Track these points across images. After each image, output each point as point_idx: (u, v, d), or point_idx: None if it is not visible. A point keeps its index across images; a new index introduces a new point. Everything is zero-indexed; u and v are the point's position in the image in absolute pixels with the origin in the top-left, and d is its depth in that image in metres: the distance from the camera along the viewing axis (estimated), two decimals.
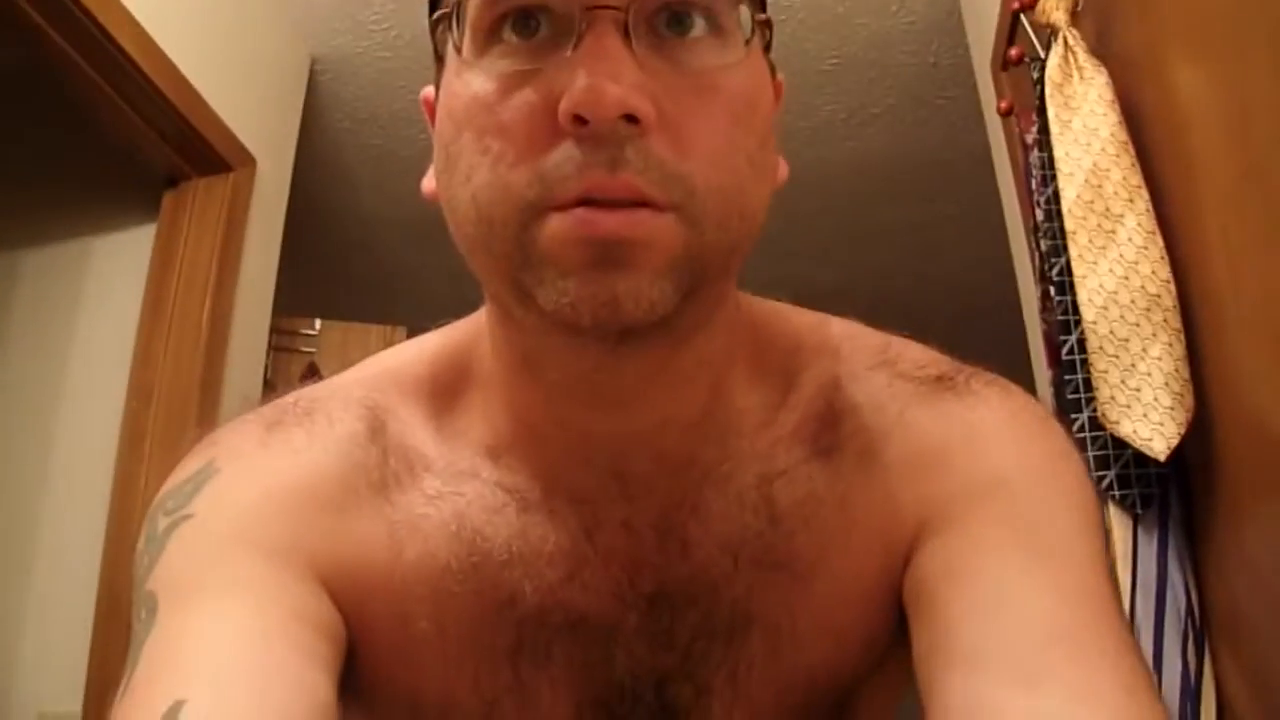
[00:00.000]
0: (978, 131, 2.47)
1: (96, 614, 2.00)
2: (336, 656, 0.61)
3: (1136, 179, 1.29)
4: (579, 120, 0.51)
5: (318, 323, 3.09)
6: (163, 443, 2.08)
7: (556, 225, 0.52)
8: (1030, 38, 1.65)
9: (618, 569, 0.67)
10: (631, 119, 0.51)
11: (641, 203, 0.52)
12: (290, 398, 0.72)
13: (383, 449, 0.69)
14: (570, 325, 0.53)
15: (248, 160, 2.38)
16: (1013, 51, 1.67)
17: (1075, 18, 1.46)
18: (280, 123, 2.62)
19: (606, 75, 0.50)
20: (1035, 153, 1.51)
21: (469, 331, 0.74)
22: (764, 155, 0.58)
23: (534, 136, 0.53)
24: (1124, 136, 1.31)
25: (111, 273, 2.41)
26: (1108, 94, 1.35)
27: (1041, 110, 1.47)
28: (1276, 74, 1.01)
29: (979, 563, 0.60)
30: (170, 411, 2.12)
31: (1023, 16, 1.68)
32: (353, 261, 3.86)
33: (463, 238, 0.58)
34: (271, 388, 2.56)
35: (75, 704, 1.96)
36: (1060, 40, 1.44)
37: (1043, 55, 1.51)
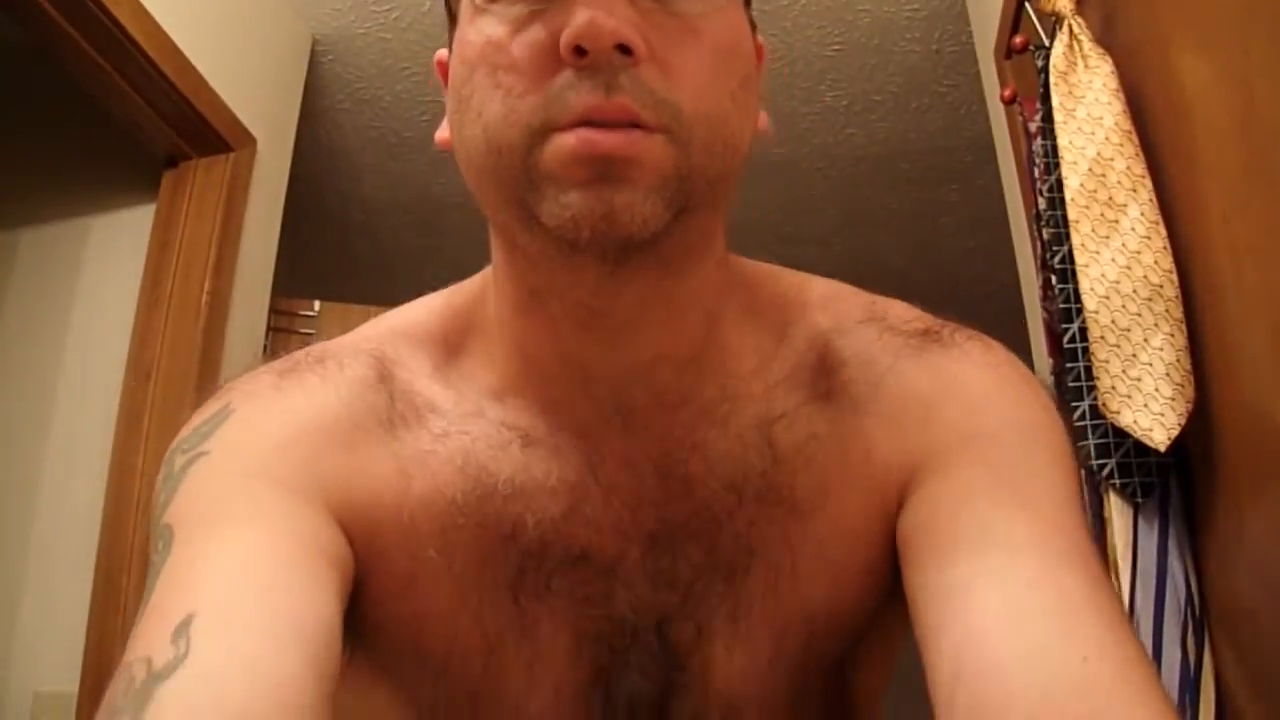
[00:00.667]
0: (980, 119, 2.47)
1: (93, 594, 2.00)
2: (344, 585, 0.63)
3: (1140, 169, 1.28)
4: (578, 51, 0.56)
5: (317, 304, 3.09)
6: (161, 422, 2.08)
7: (559, 144, 0.57)
8: (1034, 25, 1.64)
9: (619, 504, 0.70)
10: (625, 50, 0.56)
11: (635, 124, 0.57)
12: (302, 351, 0.76)
13: (390, 393, 0.73)
14: (571, 241, 0.58)
15: (248, 140, 2.37)
16: (1017, 39, 1.66)
17: (1080, 6, 1.46)
18: (281, 103, 2.62)
19: (603, 10, 0.56)
20: (1038, 141, 1.51)
21: (472, 289, 0.78)
22: (745, 96, 0.64)
23: (540, 69, 0.59)
24: (1128, 126, 1.31)
25: (110, 252, 2.40)
26: (1112, 83, 1.35)
27: (1045, 98, 1.46)
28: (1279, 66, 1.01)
29: (966, 508, 0.64)
30: (169, 391, 2.11)
31: (1027, 4, 1.67)
32: (352, 243, 3.86)
33: (474, 171, 0.64)
34: None
35: (72, 684, 1.96)
36: (1065, 28, 1.44)
37: (1047, 43, 1.50)
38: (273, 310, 2.61)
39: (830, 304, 0.78)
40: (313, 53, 2.82)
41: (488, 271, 0.76)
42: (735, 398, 0.73)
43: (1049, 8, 1.49)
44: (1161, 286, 1.22)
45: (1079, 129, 1.34)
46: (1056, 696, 0.53)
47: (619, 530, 0.70)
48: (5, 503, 2.23)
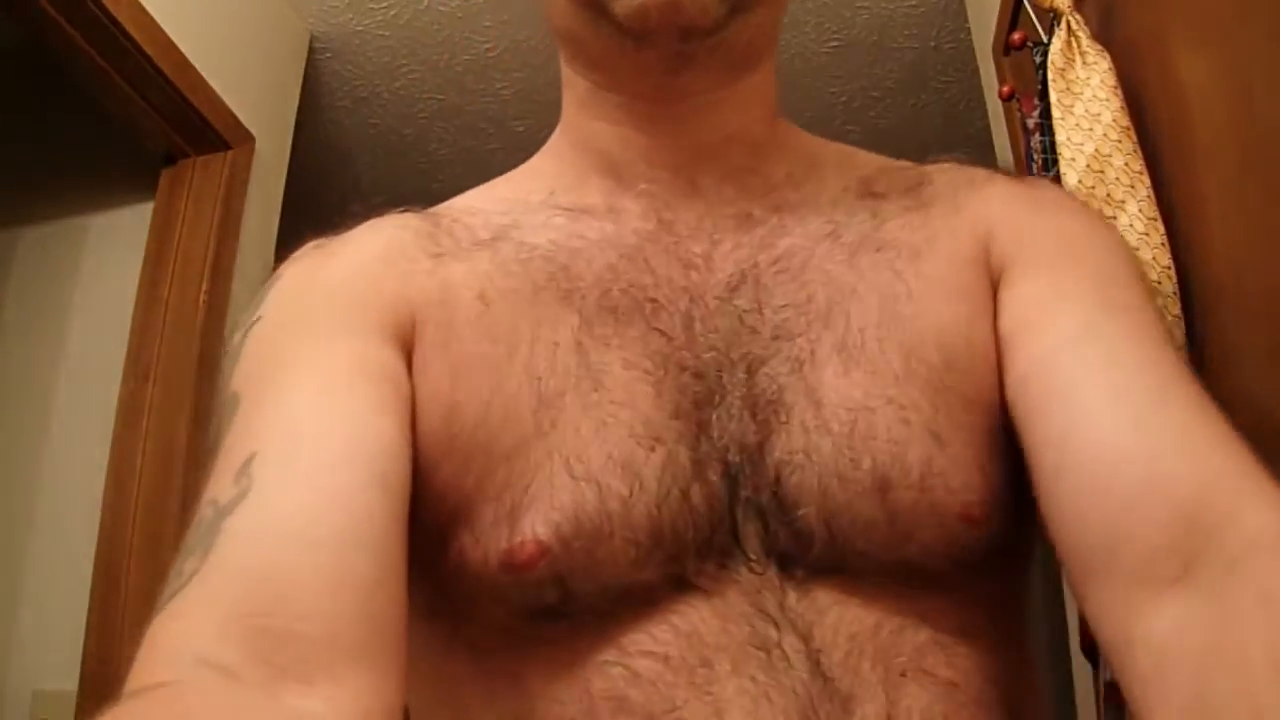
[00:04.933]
0: (979, 116, 2.47)
1: (93, 593, 1.99)
2: (403, 405, 0.63)
3: (1138, 165, 1.28)
4: None
5: None
6: (160, 421, 2.08)
7: None
8: (1033, 22, 1.64)
9: (692, 252, 0.71)
10: None
11: None
12: None
13: (435, 221, 0.74)
14: (639, 31, 0.64)
15: (246, 138, 2.37)
16: (1015, 36, 1.66)
17: (1078, 2, 1.46)
18: (279, 101, 2.61)
19: None
20: (1037, 137, 1.51)
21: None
22: None
23: None
24: (1126, 122, 1.31)
25: (108, 250, 2.40)
26: (1110, 80, 1.35)
27: (1043, 95, 1.46)
28: (1278, 62, 1.01)
29: (1066, 304, 0.66)
30: (168, 390, 2.11)
31: (1025, 1, 1.67)
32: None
33: None
34: None
35: (71, 683, 1.95)
36: (1063, 25, 1.43)
37: (1045, 40, 1.50)
38: None
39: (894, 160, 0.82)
40: (311, 50, 2.81)
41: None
42: (823, 167, 0.77)
43: (1047, 4, 1.48)
44: (1159, 283, 1.22)
45: (1077, 125, 1.34)
46: (1164, 465, 0.55)
47: (693, 272, 0.70)
48: (4, 502, 2.23)
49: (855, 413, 0.63)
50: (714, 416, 0.64)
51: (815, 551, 0.61)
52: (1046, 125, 1.45)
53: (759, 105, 0.75)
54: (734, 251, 0.70)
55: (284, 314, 0.69)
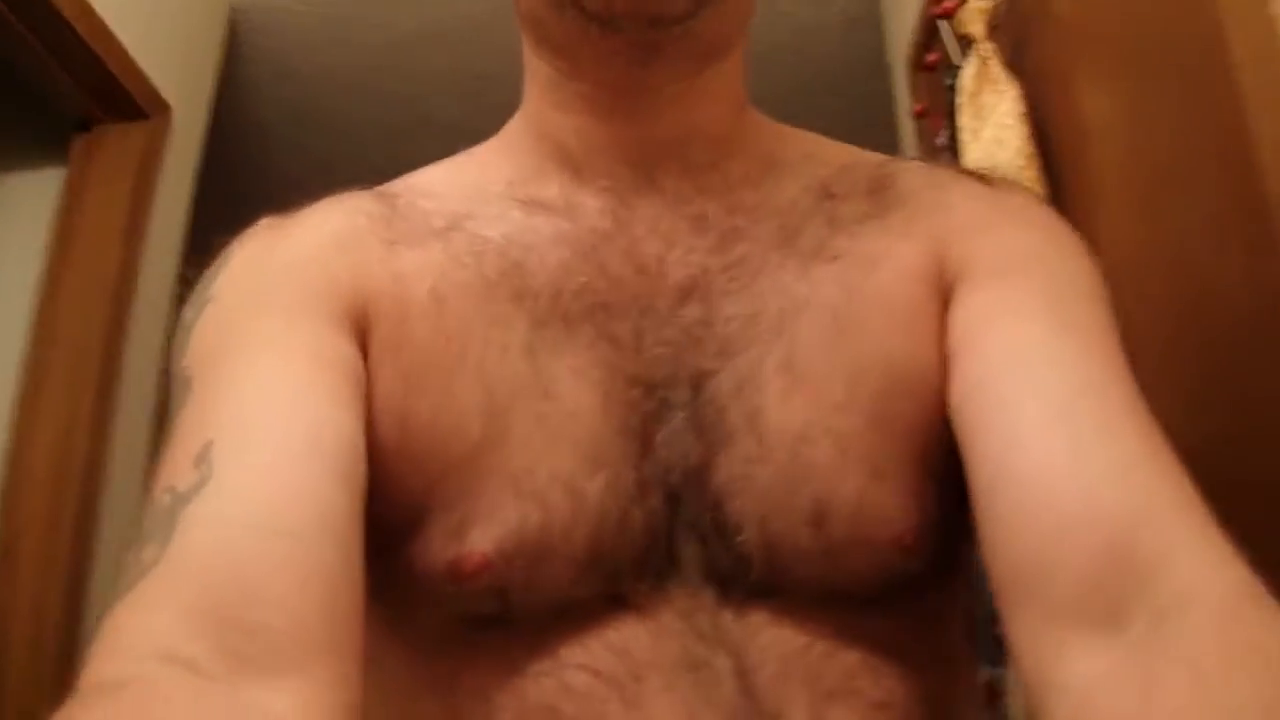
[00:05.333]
0: (891, 129, 2.52)
1: None
2: (357, 396, 0.63)
3: (1041, 191, 1.34)
4: None
5: None
6: (64, 391, 2.05)
7: None
8: (947, 45, 1.70)
9: (646, 253, 0.69)
10: None
11: None
12: None
13: (392, 205, 0.72)
14: (606, 15, 0.63)
15: (163, 108, 2.33)
16: (930, 58, 1.72)
17: (992, 31, 1.52)
18: (198, 72, 2.58)
19: None
20: (945, 156, 1.56)
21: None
22: None
23: None
24: (1031, 150, 1.37)
25: (14, 215, 2.35)
26: (1018, 107, 1.41)
27: (954, 117, 1.52)
28: (1174, 100, 1.07)
29: (1014, 320, 0.64)
30: (73, 359, 2.08)
31: (942, 23, 1.73)
32: (264, 216, 3.79)
33: None
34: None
35: None
36: (977, 52, 1.49)
37: (958, 63, 1.56)
38: (181, 280, 2.57)
39: (861, 150, 0.79)
40: (232, 21, 2.78)
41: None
42: (781, 169, 0.74)
43: (962, 30, 1.54)
44: None
45: (984, 149, 1.40)
46: (1099, 498, 0.54)
47: (644, 277, 0.68)
48: None
49: (795, 443, 0.63)
50: (659, 435, 0.64)
51: (754, 575, 0.62)
52: (955, 147, 1.51)
53: (724, 99, 0.74)
54: (687, 256, 0.69)
55: (237, 294, 0.68)
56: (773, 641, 0.62)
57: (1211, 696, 0.45)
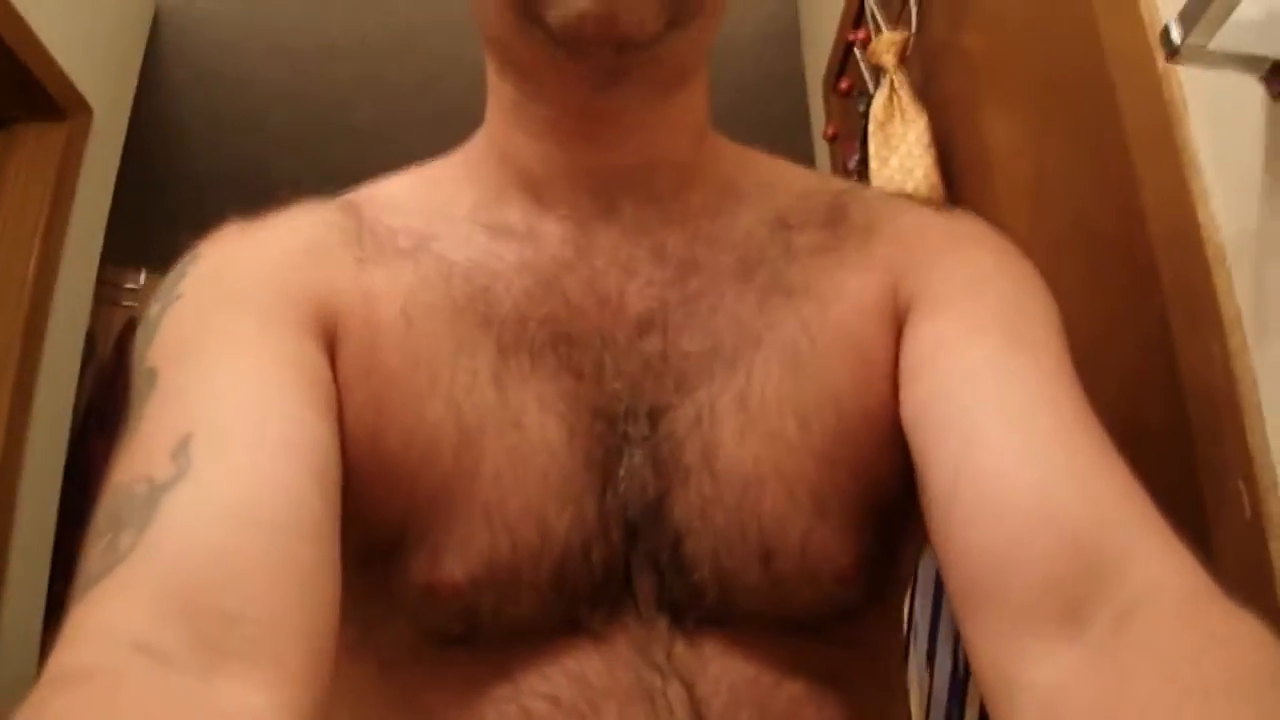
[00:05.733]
0: (805, 147, 2.58)
1: None
2: (330, 405, 0.64)
3: None
4: None
5: (143, 275, 3.03)
6: None
7: None
8: (860, 71, 1.76)
9: (607, 284, 0.70)
10: None
11: None
12: None
13: (359, 220, 0.73)
14: (574, 38, 0.63)
15: (84, 109, 2.32)
16: (843, 84, 1.78)
17: (903, 61, 1.58)
18: (119, 73, 2.57)
19: None
20: (855, 180, 1.62)
21: (456, 152, 0.80)
22: None
23: None
24: (935, 178, 1.43)
25: None
26: (925, 137, 1.47)
27: (864, 143, 1.58)
28: (1069, 134, 1.14)
29: (968, 339, 0.66)
30: None
31: (856, 51, 1.79)
32: (181, 218, 3.75)
33: None
34: (91, 341, 2.51)
35: None
36: (887, 81, 1.55)
37: (871, 90, 1.62)
38: (98, 280, 2.55)
39: (822, 175, 0.81)
40: (156, 22, 2.77)
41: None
42: (739, 198, 0.75)
43: (874, 60, 1.61)
44: None
45: (891, 177, 1.46)
46: (1058, 499, 0.56)
47: (604, 309, 0.69)
48: None
49: (746, 483, 0.65)
50: (620, 470, 0.66)
51: (706, 605, 0.65)
52: (864, 172, 1.56)
53: (687, 126, 0.74)
54: (645, 289, 0.70)
55: (207, 293, 0.68)
56: (724, 671, 0.64)
57: (1182, 683, 0.45)
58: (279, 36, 2.90)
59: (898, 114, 1.51)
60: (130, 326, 2.93)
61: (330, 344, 0.67)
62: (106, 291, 2.87)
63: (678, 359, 0.68)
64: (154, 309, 0.69)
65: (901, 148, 1.47)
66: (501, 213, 0.73)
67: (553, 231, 0.72)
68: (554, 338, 0.68)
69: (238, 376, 0.61)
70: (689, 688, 0.63)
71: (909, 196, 0.81)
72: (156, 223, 3.87)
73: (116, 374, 2.87)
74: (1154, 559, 0.53)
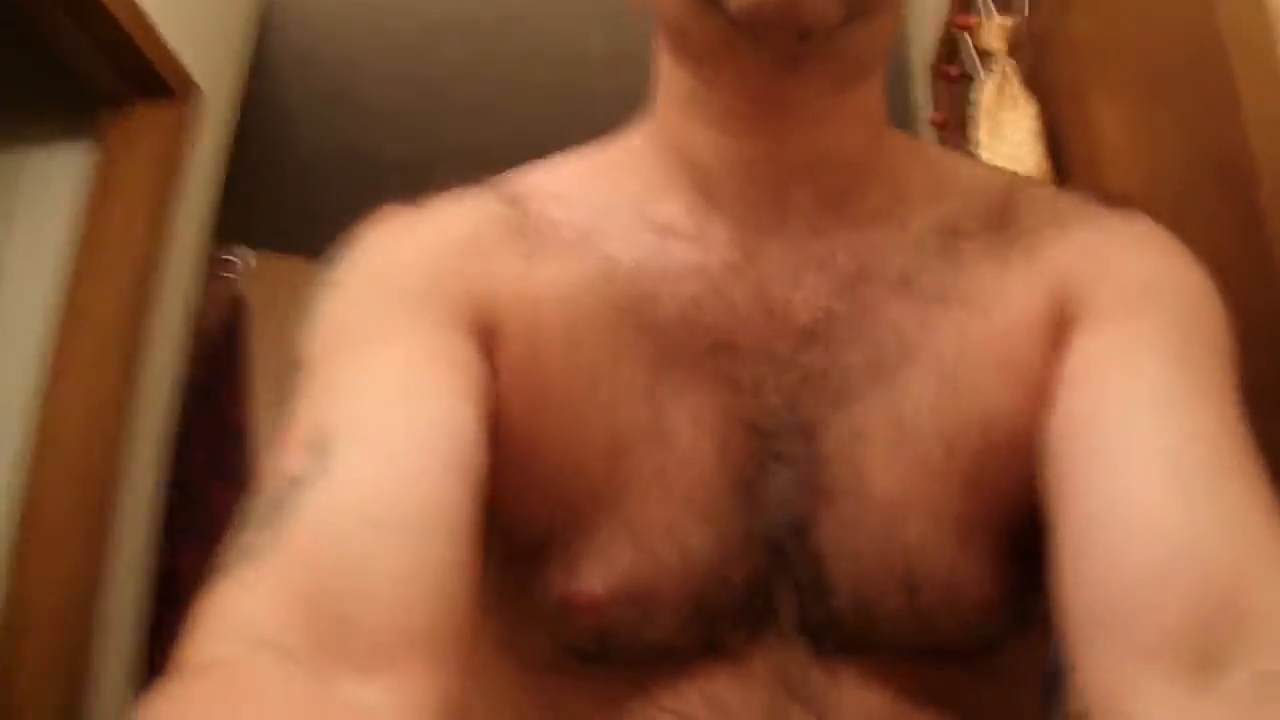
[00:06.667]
0: (912, 132, 2.53)
1: (14, 543, 1.98)
2: (481, 397, 0.64)
3: None
4: None
5: (251, 255, 3.08)
6: (92, 370, 2.08)
7: None
8: (966, 59, 1.71)
9: (773, 293, 0.68)
10: None
11: None
12: None
13: (523, 211, 0.72)
14: (752, 26, 0.60)
15: (193, 89, 2.36)
16: (951, 70, 1.74)
17: (1012, 48, 1.53)
18: (230, 54, 2.61)
19: None
20: None
21: (619, 137, 0.79)
22: None
23: None
24: (1045, 168, 1.39)
25: (40, 190, 2.34)
26: (1035, 125, 1.43)
27: (972, 129, 1.54)
28: (1182, 120, 1.10)
29: (1129, 360, 0.63)
30: (100, 338, 2.11)
31: (964, 36, 1.75)
32: (290, 197, 3.83)
33: None
34: (200, 317, 2.55)
35: None
36: (997, 68, 1.51)
37: (978, 76, 1.57)
38: (209, 260, 2.60)
39: (988, 167, 0.78)
40: (263, 5, 2.81)
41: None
42: (909, 202, 0.72)
43: (983, 45, 1.56)
44: None
45: (1001, 166, 1.42)
46: (1206, 543, 0.53)
47: (770, 319, 0.67)
48: None
49: (892, 508, 0.64)
50: (767, 488, 0.65)
51: (845, 630, 0.63)
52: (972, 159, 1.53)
53: (863, 122, 0.72)
54: (812, 298, 0.68)
55: (364, 284, 0.69)
56: (858, 700, 0.63)
57: None
58: (386, 17, 2.92)
59: (1006, 102, 1.47)
60: (235, 305, 2.99)
61: (488, 341, 0.67)
62: (213, 269, 2.91)
63: (838, 374, 0.67)
64: (316, 297, 0.70)
65: (1012, 136, 1.43)
66: (667, 208, 0.71)
67: (720, 234, 0.70)
68: (716, 347, 0.67)
69: (387, 370, 0.62)
70: (818, 716, 0.62)
71: (1082, 194, 0.76)
72: (265, 202, 3.96)
73: (220, 352, 2.94)
74: None
